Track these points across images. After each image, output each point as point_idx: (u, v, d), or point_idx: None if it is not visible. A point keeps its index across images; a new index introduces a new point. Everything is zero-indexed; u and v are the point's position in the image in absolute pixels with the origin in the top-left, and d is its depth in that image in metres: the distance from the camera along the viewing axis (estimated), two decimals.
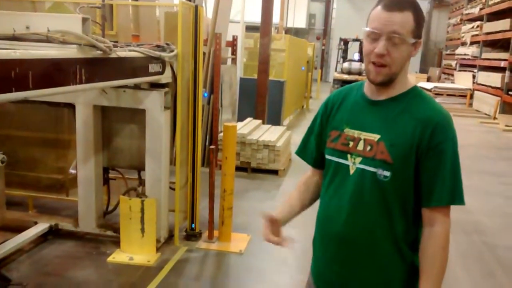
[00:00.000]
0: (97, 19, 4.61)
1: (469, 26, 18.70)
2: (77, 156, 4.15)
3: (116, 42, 3.63)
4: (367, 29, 1.56)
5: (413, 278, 1.62)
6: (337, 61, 16.53)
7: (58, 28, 2.62)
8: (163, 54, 3.76)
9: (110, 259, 3.95)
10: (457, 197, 1.57)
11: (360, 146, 1.63)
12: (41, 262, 3.89)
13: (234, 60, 7.92)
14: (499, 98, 13.87)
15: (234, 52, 7.81)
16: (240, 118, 8.24)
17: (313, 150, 1.84)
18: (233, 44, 7.75)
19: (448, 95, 17.02)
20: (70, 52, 2.63)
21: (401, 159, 1.56)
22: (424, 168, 1.57)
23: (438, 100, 16.53)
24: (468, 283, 4.00)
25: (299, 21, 23.58)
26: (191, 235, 4.39)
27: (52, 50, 2.54)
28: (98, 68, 2.87)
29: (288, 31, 18.99)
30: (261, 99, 8.43)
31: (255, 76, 8.73)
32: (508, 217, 5.70)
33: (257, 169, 6.78)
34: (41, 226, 4.21)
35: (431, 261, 1.57)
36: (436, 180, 1.56)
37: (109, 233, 4.25)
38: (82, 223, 4.27)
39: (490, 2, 16.11)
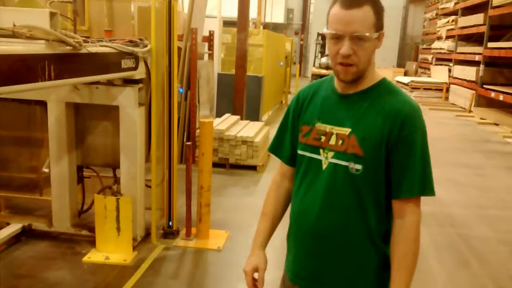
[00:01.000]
0: (68, 14, 4.51)
1: (445, 20, 18.94)
2: (50, 154, 4.06)
3: (88, 37, 3.54)
4: (329, 31, 1.55)
5: (385, 268, 1.63)
6: (315, 56, 16.60)
7: (25, 23, 2.54)
8: (136, 49, 3.69)
9: (85, 259, 3.88)
10: (427, 187, 1.58)
11: (332, 141, 1.62)
12: (14, 264, 3.80)
13: (211, 56, 7.85)
14: (474, 92, 14.09)
15: (211, 47, 7.74)
16: (218, 114, 8.19)
17: (288, 147, 1.82)
18: (209, 39, 7.68)
19: (424, 89, 17.24)
20: (38, 47, 2.55)
21: (372, 152, 1.57)
22: (394, 159, 1.57)
23: (414, 93, 16.77)
24: (443, 275, 4.04)
25: (277, 16, 23.57)
26: (168, 233, 4.35)
27: (19, 45, 2.46)
28: (68, 64, 2.80)
29: (266, 26, 18.95)
30: (239, 95, 8.40)
31: (233, 72, 8.69)
32: (482, 208, 5.80)
33: (236, 165, 6.74)
34: (14, 227, 4.11)
35: (403, 253, 1.58)
36: (406, 171, 1.57)
37: (84, 232, 4.18)
38: (56, 223, 4.18)
39: None
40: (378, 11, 1.55)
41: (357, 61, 1.54)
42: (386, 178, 1.59)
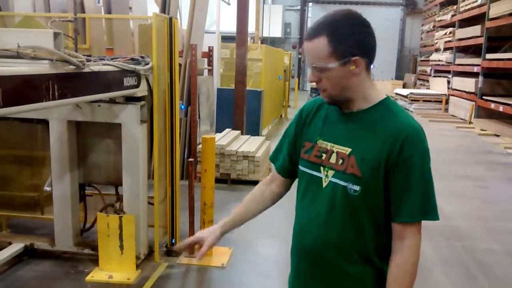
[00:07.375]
0: (69, 33, 4.54)
1: (442, 32, 19.06)
2: (52, 173, 4.04)
3: (89, 56, 3.56)
4: None
5: (383, 286, 1.61)
6: None
7: (29, 43, 2.55)
8: (138, 67, 3.70)
9: (88, 278, 3.84)
10: (429, 212, 1.55)
11: (333, 159, 1.61)
12: (16, 284, 3.77)
13: (210, 71, 7.89)
14: (474, 103, 14.12)
15: (210, 63, 7.78)
16: (219, 129, 8.19)
17: (283, 157, 1.83)
18: (209, 55, 7.72)
19: (424, 101, 17.29)
20: (42, 68, 2.56)
21: (370, 173, 1.54)
22: (394, 182, 1.54)
23: (414, 106, 16.80)
24: None
25: (274, 30, 23.72)
26: (172, 251, 4.32)
27: (23, 66, 2.47)
28: (71, 83, 2.80)
29: (264, 40, 19.07)
30: (239, 110, 8.41)
31: (233, 87, 8.71)
32: (486, 220, 5.77)
33: (237, 180, 6.72)
34: (16, 247, 4.08)
35: (400, 276, 1.56)
36: (406, 195, 1.53)
37: (87, 251, 4.14)
38: (58, 242, 4.15)
39: (461, 9, 16.46)
40: (337, 39, 1.50)
41: (325, 87, 1.58)
42: (385, 200, 1.57)
